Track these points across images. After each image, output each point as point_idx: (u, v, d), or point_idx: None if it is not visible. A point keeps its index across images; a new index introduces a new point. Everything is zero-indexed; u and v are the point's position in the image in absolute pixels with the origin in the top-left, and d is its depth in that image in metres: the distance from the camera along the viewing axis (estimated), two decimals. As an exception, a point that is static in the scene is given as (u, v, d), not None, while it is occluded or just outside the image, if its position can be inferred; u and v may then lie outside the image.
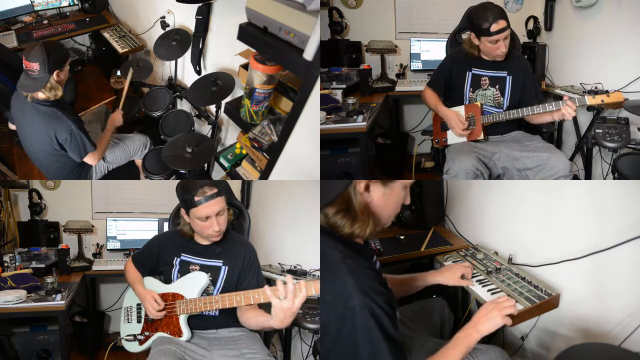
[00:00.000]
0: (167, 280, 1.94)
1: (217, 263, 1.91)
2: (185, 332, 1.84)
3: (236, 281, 1.90)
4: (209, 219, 1.79)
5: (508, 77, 2.26)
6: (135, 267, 2.01)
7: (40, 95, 2.16)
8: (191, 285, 1.87)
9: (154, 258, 1.99)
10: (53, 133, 2.22)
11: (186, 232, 1.93)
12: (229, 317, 1.92)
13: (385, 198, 1.22)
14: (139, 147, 2.69)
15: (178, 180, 2.24)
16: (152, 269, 2.00)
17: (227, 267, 1.90)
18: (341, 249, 1.16)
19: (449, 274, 1.79)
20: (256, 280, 1.91)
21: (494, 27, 2.08)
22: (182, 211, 1.88)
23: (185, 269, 1.92)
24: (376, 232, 1.23)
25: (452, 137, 2.35)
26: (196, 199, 1.75)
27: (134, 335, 1.93)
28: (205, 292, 1.89)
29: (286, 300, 1.48)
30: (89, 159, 2.36)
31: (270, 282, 2.43)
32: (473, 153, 2.14)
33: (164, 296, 1.89)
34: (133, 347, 1.94)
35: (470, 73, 2.31)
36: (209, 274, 1.89)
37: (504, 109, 2.27)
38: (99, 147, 2.40)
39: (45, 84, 2.12)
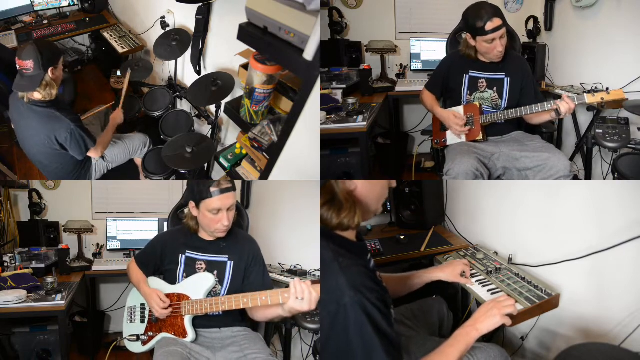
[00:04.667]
0: (172, 280, 1.93)
1: (223, 258, 1.91)
2: (190, 333, 1.83)
3: (243, 276, 1.90)
4: (220, 212, 1.79)
5: (506, 79, 2.24)
6: (138, 268, 2.00)
7: (36, 95, 2.15)
8: (197, 286, 1.87)
9: (158, 258, 1.98)
10: (52, 134, 2.22)
11: (191, 227, 1.92)
12: (232, 317, 1.92)
13: (369, 183, 1.23)
14: (138, 146, 2.69)
15: (178, 181, 2.25)
16: (156, 269, 1.99)
17: (232, 262, 1.90)
18: (333, 248, 1.16)
19: (448, 270, 1.81)
20: (262, 276, 1.92)
21: (489, 26, 2.06)
22: (191, 204, 1.85)
23: (191, 267, 1.91)
24: (376, 232, 1.23)
25: (451, 138, 2.34)
26: (211, 189, 1.75)
27: (137, 336, 1.92)
28: (213, 290, 1.88)
29: (305, 302, 1.51)
30: (91, 154, 2.37)
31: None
32: (473, 154, 2.14)
33: (169, 296, 1.88)
34: (136, 348, 1.93)
35: (467, 76, 2.30)
36: (216, 272, 1.89)
37: (501, 111, 2.26)
38: (100, 143, 2.40)
39: (41, 82, 2.12)
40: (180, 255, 1.93)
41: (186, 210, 1.94)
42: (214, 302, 1.78)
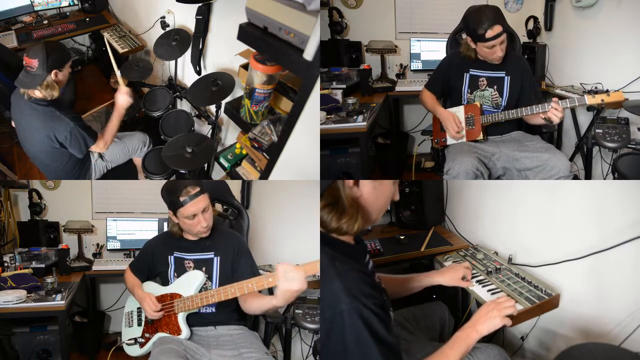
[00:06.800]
0: (165, 281, 1.99)
1: (209, 255, 1.96)
2: (184, 330, 1.87)
3: (231, 269, 1.95)
4: (195, 216, 1.86)
5: (506, 78, 2.25)
6: (133, 274, 2.07)
7: (37, 93, 2.17)
8: (188, 284, 1.91)
9: (150, 261, 2.05)
10: (52, 133, 2.22)
11: (176, 233, 2.00)
12: (227, 314, 1.95)
13: (375, 192, 1.21)
14: (138, 145, 2.69)
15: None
16: (149, 273, 2.06)
17: (219, 257, 1.96)
18: (330, 252, 1.15)
19: (449, 275, 1.78)
20: (250, 267, 1.97)
21: (489, 34, 2.05)
22: (170, 213, 1.93)
23: (180, 266, 1.97)
24: (376, 232, 1.22)
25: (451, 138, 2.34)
26: (181, 199, 1.83)
27: (135, 339, 1.96)
28: (204, 287, 1.92)
29: (295, 281, 1.50)
30: (96, 148, 2.36)
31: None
32: (473, 153, 2.13)
33: (162, 297, 1.93)
34: (134, 351, 1.96)
35: (468, 74, 2.30)
36: (204, 268, 1.94)
37: (502, 109, 2.26)
38: (105, 134, 2.38)
39: (42, 82, 2.13)
40: (169, 256, 1.99)
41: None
42: (204, 296, 1.84)
